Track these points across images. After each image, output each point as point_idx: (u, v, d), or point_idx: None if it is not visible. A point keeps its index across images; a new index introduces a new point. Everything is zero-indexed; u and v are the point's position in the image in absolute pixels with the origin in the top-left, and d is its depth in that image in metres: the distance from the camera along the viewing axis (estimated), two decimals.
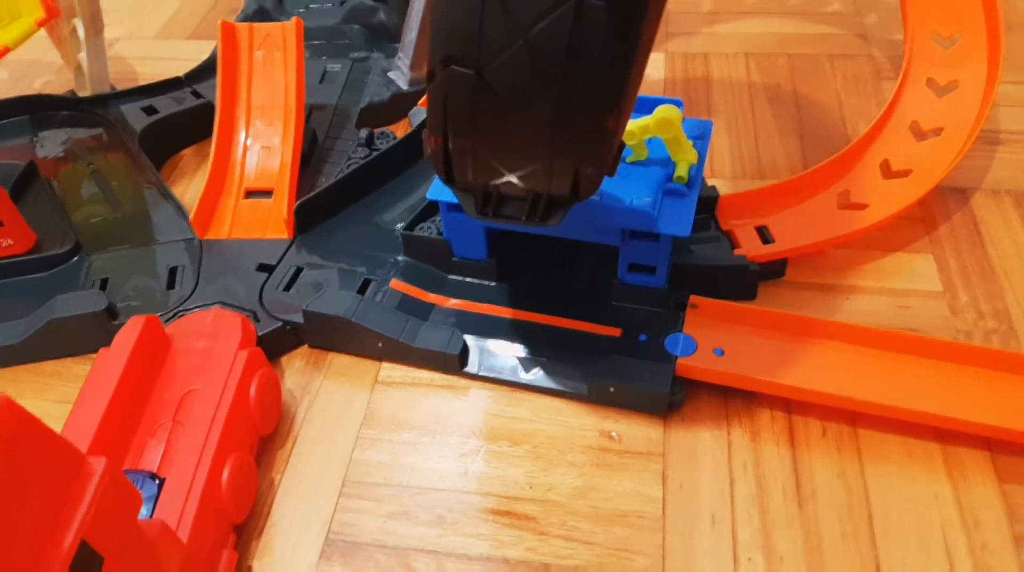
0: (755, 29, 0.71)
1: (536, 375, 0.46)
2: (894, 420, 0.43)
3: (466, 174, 0.34)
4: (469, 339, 0.48)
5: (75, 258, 0.53)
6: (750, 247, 0.51)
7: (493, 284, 0.50)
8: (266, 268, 0.51)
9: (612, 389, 0.44)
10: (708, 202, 0.52)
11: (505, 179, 0.33)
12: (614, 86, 0.30)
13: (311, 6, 0.74)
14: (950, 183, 0.55)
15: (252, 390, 0.43)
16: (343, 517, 0.42)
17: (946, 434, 0.43)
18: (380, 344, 0.47)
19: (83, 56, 0.62)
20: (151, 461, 0.40)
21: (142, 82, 0.66)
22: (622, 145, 0.36)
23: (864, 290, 0.50)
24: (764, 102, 0.64)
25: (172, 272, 0.52)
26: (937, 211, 0.54)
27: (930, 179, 0.52)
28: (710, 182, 0.57)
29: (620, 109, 0.31)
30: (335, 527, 0.41)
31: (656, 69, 0.68)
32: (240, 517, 0.40)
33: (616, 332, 0.47)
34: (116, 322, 0.48)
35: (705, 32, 0.71)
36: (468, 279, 0.50)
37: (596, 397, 0.45)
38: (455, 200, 0.40)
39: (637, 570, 0.39)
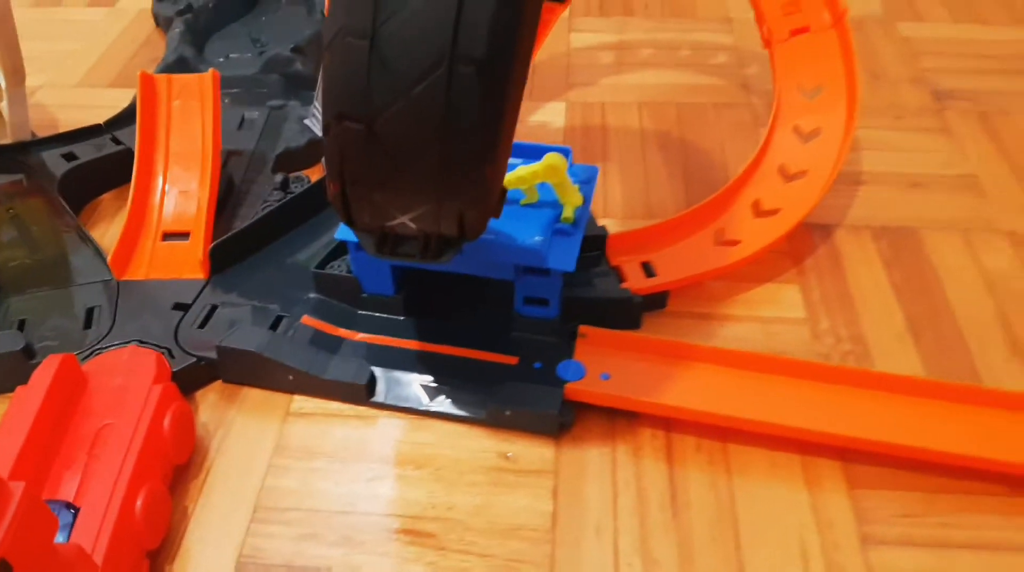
0: (648, 80, 0.77)
1: (439, 402, 0.50)
2: (760, 434, 0.48)
3: (364, 217, 0.38)
4: (377, 370, 0.51)
5: None
6: (635, 281, 0.56)
7: (401, 318, 0.53)
8: (182, 307, 0.54)
9: (508, 413, 0.48)
10: (598, 240, 0.57)
11: (399, 221, 0.37)
12: (488, 140, 0.34)
13: (231, 56, 0.78)
14: (815, 220, 0.61)
15: (166, 423, 0.45)
16: (254, 541, 0.44)
17: (805, 446, 0.48)
18: (291, 377, 0.50)
19: (3, 105, 0.64)
20: (67, 491, 0.42)
21: (63, 129, 0.68)
22: (504, 190, 0.40)
23: (737, 318, 0.55)
24: (654, 148, 0.69)
25: (89, 312, 0.54)
26: (803, 246, 0.60)
27: (795, 217, 0.58)
28: (603, 221, 0.62)
29: (495, 159, 0.35)
30: (246, 551, 0.44)
31: (557, 117, 0.73)
32: (154, 543, 0.42)
33: (513, 360, 0.51)
34: (33, 361, 0.50)
35: (603, 83, 0.77)
36: (377, 314, 0.53)
37: (494, 421, 0.49)
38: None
39: None
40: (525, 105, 0.75)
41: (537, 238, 0.48)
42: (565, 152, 0.53)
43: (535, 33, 0.36)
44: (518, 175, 0.49)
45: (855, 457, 0.47)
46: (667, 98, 0.75)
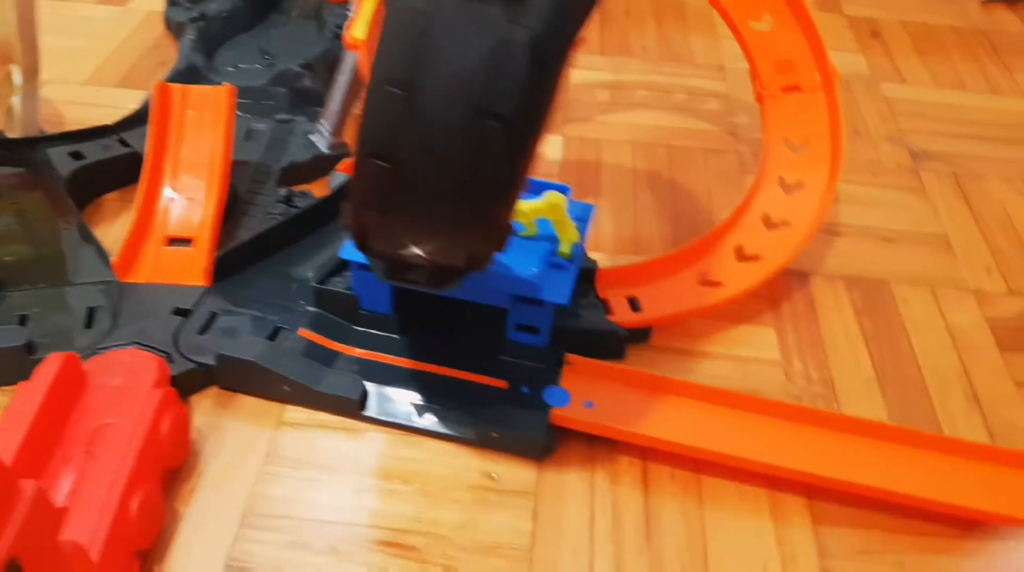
0: (641, 120, 0.80)
1: (429, 420, 0.52)
2: (731, 468, 0.50)
3: (379, 244, 0.40)
4: (370, 386, 0.53)
5: None
6: (621, 314, 0.58)
7: (396, 336, 0.55)
8: (182, 312, 0.55)
9: (495, 435, 0.50)
10: (588, 273, 0.59)
11: (412, 250, 0.39)
12: (505, 189, 0.37)
13: (240, 66, 0.80)
14: (793, 267, 0.65)
15: (164, 427, 0.47)
16: (243, 546, 0.46)
17: (774, 481, 0.50)
18: (286, 387, 0.51)
19: (16, 99, 0.65)
20: (64, 487, 0.43)
21: (69, 126, 0.69)
22: (510, 226, 0.43)
23: (715, 356, 0.58)
24: (645, 187, 0.72)
25: (91, 312, 0.55)
26: (781, 291, 0.63)
27: (776, 264, 0.61)
28: (592, 255, 0.64)
29: (509, 204, 0.38)
30: (234, 555, 0.45)
31: (555, 150, 0.76)
32: (147, 543, 0.44)
33: (503, 384, 0.53)
34: (34, 357, 0.51)
35: (599, 120, 0.80)
36: (373, 331, 0.55)
37: (481, 441, 0.51)
38: (365, 260, 0.46)
39: None
40: None
41: (533, 270, 0.51)
42: (564, 190, 0.55)
43: (560, 91, 0.38)
44: (520, 209, 0.52)
45: (820, 494, 0.50)
46: (659, 139, 0.78)
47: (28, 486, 0.33)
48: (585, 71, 0.87)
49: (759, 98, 0.68)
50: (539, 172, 0.72)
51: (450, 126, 0.35)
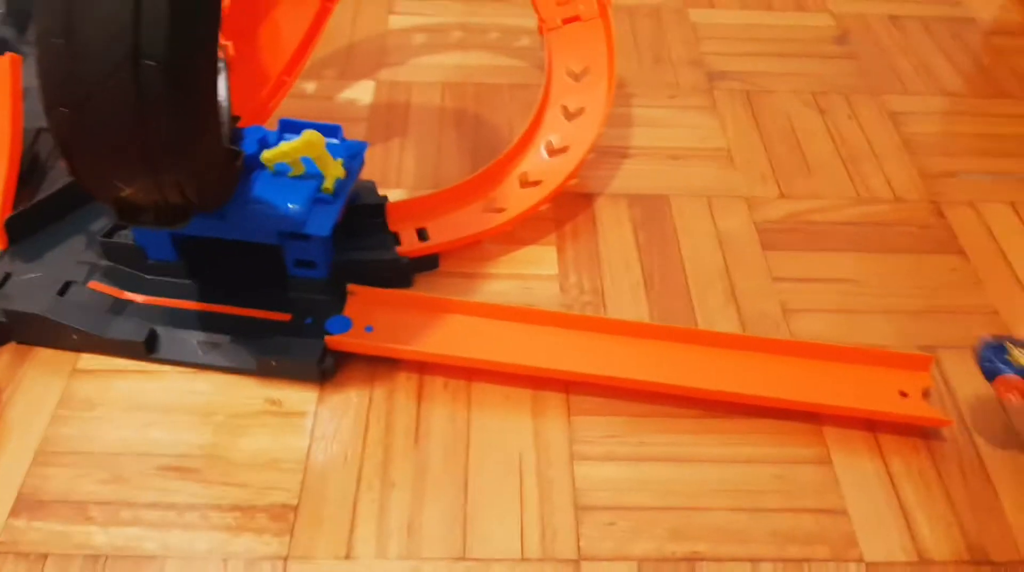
0: (455, 61, 0.83)
1: (214, 357, 0.55)
2: (500, 373, 0.55)
3: (95, 189, 0.43)
4: (161, 330, 0.56)
5: None
6: (409, 244, 0.62)
7: (185, 282, 0.58)
8: None
9: (274, 363, 0.54)
10: (378, 208, 0.63)
11: (126, 192, 0.43)
12: (182, 123, 0.40)
13: None
14: (581, 189, 0.69)
15: None
16: (33, 481, 0.49)
17: (538, 382, 0.55)
18: (75, 336, 0.55)
19: None
20: None
21: None
22: (237, 166, 0.46)
23: (499, 276, 0.63)
24: (451, 125, 0.76)
25: None
26: (566, 212, 0.68)
27: (553, 185, 0.65)
28: (394, 192, 0.68)
29: (194, 139, 0.41)
30: (25, 489, 0.49)
31: (365, 95, 0.79)
32: None
33: (286, 317, 0.57)
34: None
35: (412, 63, 0.83)
36: (162, 278, 0.58)
37: (262, 371, 0.55)
38: None
39: (279, 501, 0.49)
40: (335, 83, 0.80)
41: (296, 206, 0.54)
42: (335, 129, 0.59)
43: (217, 23, 0.41)
44: (281, 150, 0.55)
45: (578, 389, 0.55)
46: (469, 79, 0.81)
47: None
48: (405, 16, 0.89)
49: (541, 31, 0.71)
50: (347, 116, 0.76)
51: (110, 70, 0.38)
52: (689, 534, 0.48)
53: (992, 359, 0.52)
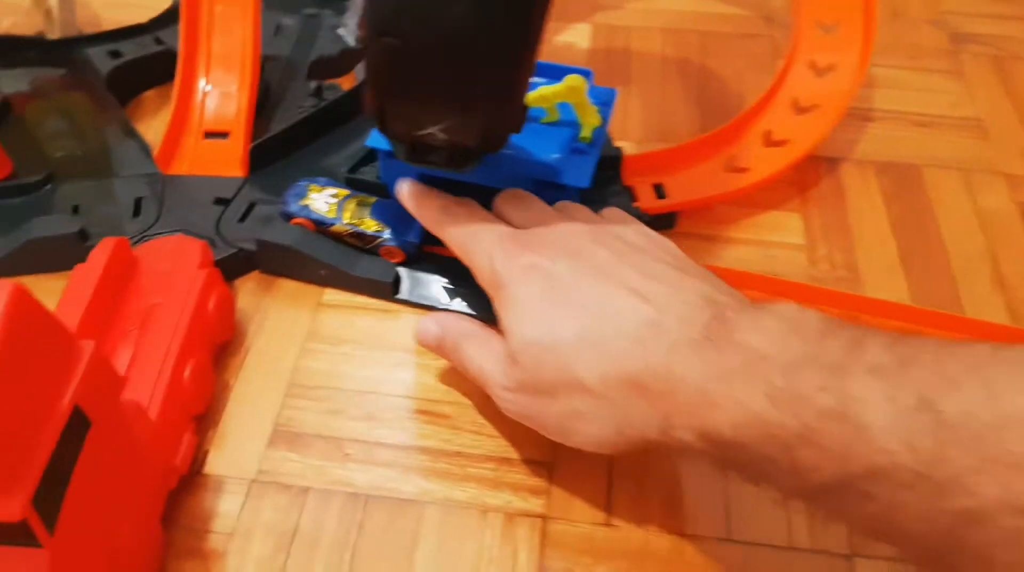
0: (675, 7, 0.79)
1: (457, 303, 0.54)
2: None
3: (398, 126, 0.41)
4: (402, 271, 0.55)
5: (47, 186, 0.59)
6: (647, 200, 0.59)
7: None
8: (223, 202, 0.58)
9: None
10: (614, 160, 0.60)
11: (428, 130, 0.41)
12: (510, 60, 0.38)
13: None
14: (823, 153, 0.64)
15: (210, 304, 0.50)
16: (288, 413, 0.49)
17: None
18: (323, 271, 0.54)
19: (54, 2, 0.66)
20: (122, 359, 0.47)
21: (106, 27, 0.71)
22: (525, 107, 0.43)
23: (740, 241, 0.59)
24: (675, 74, 0.72)
25: (137, 202, 0.58)
26: (809, 177, 0.63)
27: (803, 148, 0.61)
28: (620, 143, 0.65)
29: (517, 78, 0.39)
30: (281, 421, 0.49)
31: (583, 38, 0.75)
32: (200, 408, 0.47)
33: None
34: (87, 244, 0.54)
35: (629, 7, 0.79)
36: None
37: None
38: (391, 148, 0.47)
39: (534, 457, 0.48)
40: (551, 25, 0.76)
41: (555, 155, 0.52)
42: (586, 74, 0.55)
43: None
44: (540, 94, 0.52)
45: None
46: (691, 26, 0.76)
47: (87, 345, 0.36)
48: None
49: None
50: (564, 60, 0.73)
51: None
52: None
53: (288, 200, 0.55)
